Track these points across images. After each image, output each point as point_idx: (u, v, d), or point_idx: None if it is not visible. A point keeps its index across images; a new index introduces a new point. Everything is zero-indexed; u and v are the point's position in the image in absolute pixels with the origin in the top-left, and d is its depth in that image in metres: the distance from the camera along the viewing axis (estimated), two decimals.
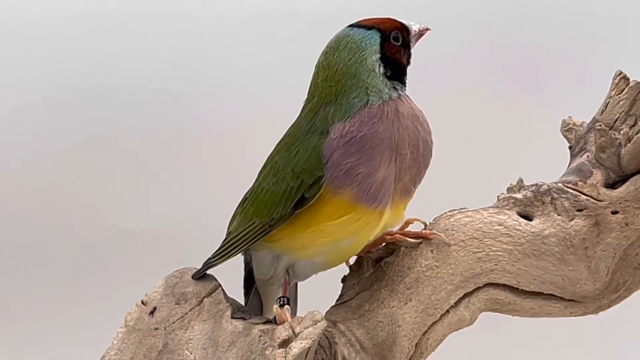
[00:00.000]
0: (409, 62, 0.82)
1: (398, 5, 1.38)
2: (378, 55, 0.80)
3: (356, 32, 0.80)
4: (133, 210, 1.40)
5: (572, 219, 0.81)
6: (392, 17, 0.82)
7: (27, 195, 1.41)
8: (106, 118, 1.42)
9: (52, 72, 1.43)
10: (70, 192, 1.41)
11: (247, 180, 0.86)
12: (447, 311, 0.80)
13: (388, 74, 0.80)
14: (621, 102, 0.84)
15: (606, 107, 0.85)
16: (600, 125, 0.83)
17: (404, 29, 0.82)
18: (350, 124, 0.77)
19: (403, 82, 0.81)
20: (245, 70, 1.43)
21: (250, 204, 0.83)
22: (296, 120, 0.83)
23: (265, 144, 0.85)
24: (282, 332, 0.76)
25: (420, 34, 0.82)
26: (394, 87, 0.80)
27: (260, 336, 0.78)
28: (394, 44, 0.80)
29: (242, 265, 0.90)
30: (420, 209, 0.84)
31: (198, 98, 1.43)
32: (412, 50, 0.83)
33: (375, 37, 0.80)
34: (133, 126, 1.42)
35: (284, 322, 0.77)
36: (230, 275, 0.88)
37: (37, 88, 1.43)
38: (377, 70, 0.79)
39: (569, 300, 0.82)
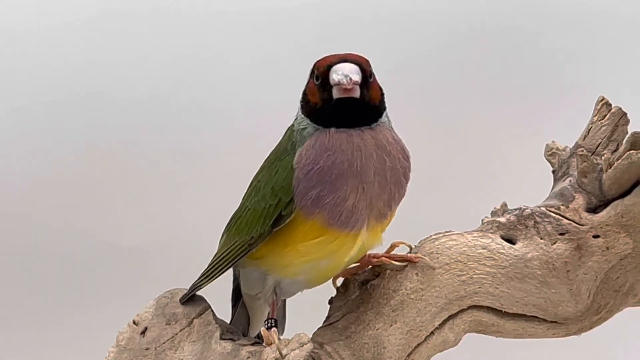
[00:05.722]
0: (324, 105, 0.78)
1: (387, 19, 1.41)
2: (305, 86, 0.81)
3: None
4: (125, 227, 1.40)
5: (555, 243, 0.82)
6: (346, 55, 0.78)
7: (17, 211, 1.40)
8: (98, 133, 1.42)
9: (41, 85, 1.42)
10: (62, 207, 1.40)
11: (240, 197, 0.86)
12: (432, 333, 0.82)
13: (302, 104, 0.81)
14: (603, 128, 0.85)
15: (588, 132, 0.86)
16: (583, 150, 0.84)
17: (325, 73, 0.77)
18: (305, 156, 0.78)
19: (316, 121, 0.79)
20: (241, 86, 1.44)
21: (234, 223, 0.84)
22: (281, 138, 0.84)
23: (259, 160, 0.86)
24: (269, 354, 0.78)
25: (340, 87, 0.76)
26: (309, 121, 0.79)
27: (248, 357, 0.79)
28: (313, 81, 0.79)
29: (231, 282, 0.91)
30: (406, 231, 0.85)
31: (193, 115, 1.43)
32: (335, 97, 0.77)
33: (310, 70, 0.80)
34: (125, 142, 1.42)
35: (271, 344, 0.79)
36: (219, 294, 0.89)
37: (26, 99, 1.42)
38: (300, 99, 0.81)
39: (552, 321, 0.83)
